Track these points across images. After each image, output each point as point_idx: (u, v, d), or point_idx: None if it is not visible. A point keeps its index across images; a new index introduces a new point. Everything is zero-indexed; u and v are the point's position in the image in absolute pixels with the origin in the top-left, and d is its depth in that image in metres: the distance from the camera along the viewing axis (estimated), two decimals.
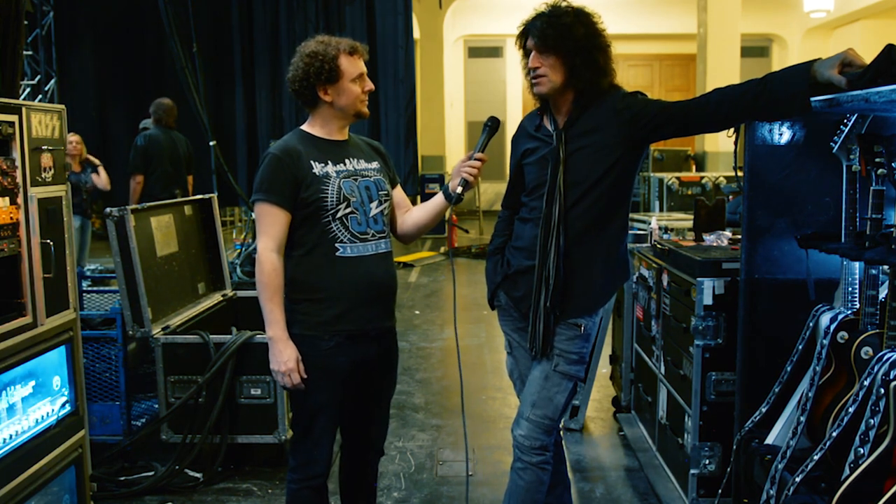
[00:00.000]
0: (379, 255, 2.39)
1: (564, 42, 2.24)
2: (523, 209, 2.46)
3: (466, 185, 2.37)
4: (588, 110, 2.31)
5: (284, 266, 2.31)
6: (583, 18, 2.28)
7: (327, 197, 2.30)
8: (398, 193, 2.55)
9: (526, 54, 2.33)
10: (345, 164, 2.37)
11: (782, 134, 2.45)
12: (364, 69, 2.37)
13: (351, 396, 2.45)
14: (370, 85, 2.39)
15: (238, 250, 8.07)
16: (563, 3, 2.30)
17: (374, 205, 2.38)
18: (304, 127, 2.43)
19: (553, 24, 2.25)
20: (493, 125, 2.43)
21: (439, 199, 2.45)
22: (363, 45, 2.39)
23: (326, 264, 2.32)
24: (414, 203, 2.69)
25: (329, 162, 2.35)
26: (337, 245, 2.32)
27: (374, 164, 2.46)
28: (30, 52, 8.43)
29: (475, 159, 2.36)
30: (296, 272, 2.33)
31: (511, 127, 2.57)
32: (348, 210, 2.33)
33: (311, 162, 2.32)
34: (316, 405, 2.36)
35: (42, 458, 2.55)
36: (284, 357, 2.27)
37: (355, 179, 2.37)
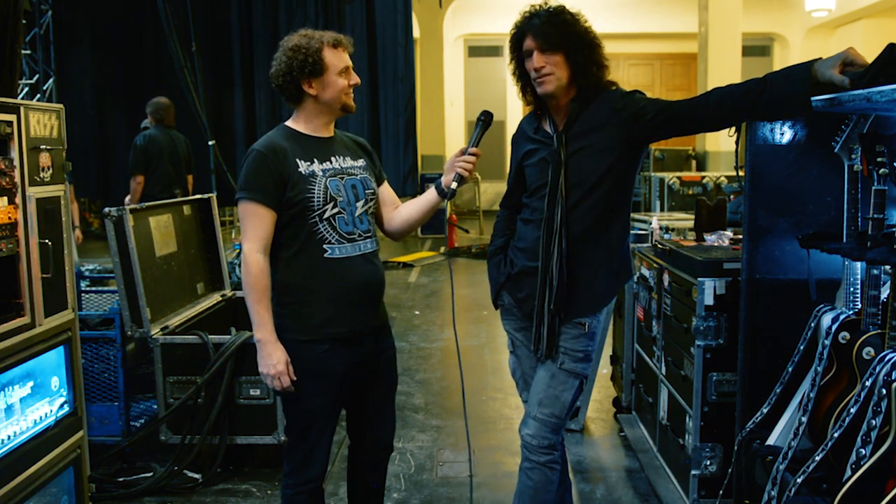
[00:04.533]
0: (366, 254, 2.35)
1: (567, 39, 2.24)
2: (525, 210, 2.45)
3: (461, 180, 2.32)
4: (587, 110, 2.30)
5: (272, 268, 2.26)
6: (577, 16, 2.30)
7: (314, 197, 2.25)
8: (385, 190, 2.50)
9: (525, 56, 2.31)
10: (331, 163, 2.33)
11: (784, 133, 2.44)
12: (349, 62, 2.33)
13: (351, 397, 2.43)
14: (356, 79, 2.34)
15: (237, 250, 8.03)
16: (554, 3, 2.29)
17: (359, 204, 2.34)
18: (289, 123, 2.38)
19: (553, 21, 2.24)
20: (486, 119, 2.39)
21: (431, 194, 2.41)
22: (347, 38, 2.34)
23: (315, 266, 2.27)
24: None
25: (315, 160, 2.30)
26: (325, 246, 2.27)
27: (361, 162, 2.42)
28: (28, 52, 8.41)
29: (469, 154, 2.33)
30: (284, 275, 2.28)
31: (511, 126, 2.55)
32: (335, 210, 2.28)
33: (297, 160, 2.27)
34: (311, 410, 2.33)
35: (40, 458, 2.55)
36: (273, 360, 2.22)
37: (341, 178, 2.32)
